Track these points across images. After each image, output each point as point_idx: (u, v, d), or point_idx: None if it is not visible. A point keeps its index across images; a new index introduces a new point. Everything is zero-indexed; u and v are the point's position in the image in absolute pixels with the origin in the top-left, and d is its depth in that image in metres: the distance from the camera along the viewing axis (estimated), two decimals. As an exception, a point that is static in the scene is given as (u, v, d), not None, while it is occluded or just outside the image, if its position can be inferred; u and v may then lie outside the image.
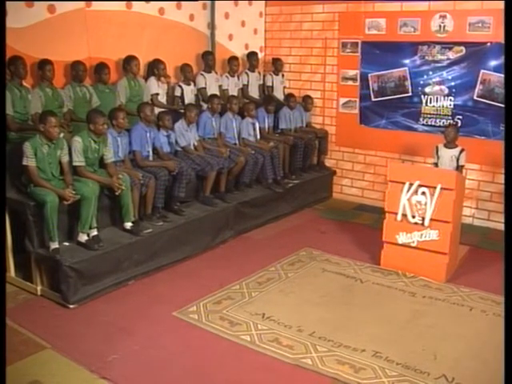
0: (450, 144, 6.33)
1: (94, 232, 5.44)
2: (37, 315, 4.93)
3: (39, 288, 5.29)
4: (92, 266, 5.19)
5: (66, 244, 5.36)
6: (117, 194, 5.52)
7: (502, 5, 6.66)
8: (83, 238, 5.34)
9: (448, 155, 6.31)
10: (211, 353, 4.38)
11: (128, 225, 5.72)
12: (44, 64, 5.91)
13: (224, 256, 6.39)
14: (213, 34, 8.24)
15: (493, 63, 7.10)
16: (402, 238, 5.80)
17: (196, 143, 6.96)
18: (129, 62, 6.75)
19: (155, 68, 7.07)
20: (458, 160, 6.28)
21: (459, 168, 6.26)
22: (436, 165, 6.40)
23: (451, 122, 7.34)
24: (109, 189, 5.58)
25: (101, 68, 6.54)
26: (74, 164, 5.42)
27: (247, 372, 4.14)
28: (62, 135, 5.42)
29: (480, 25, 7.11)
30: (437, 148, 6.41)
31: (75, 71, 6.27)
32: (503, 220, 3.30)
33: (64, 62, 6.31)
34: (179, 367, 4.18)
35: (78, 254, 5.18)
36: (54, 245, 5.12)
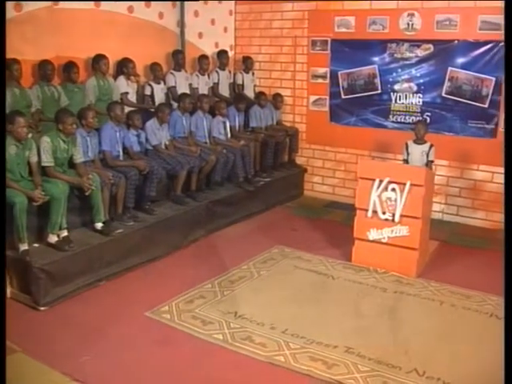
0: (419, 140, 6.39)
1: (64, 233, 5.38)
2: (7, 318, 4.85)
3: (9, 290, 5.21)
4: (62, 267, 5.13)
5: (36, 245, 5.30)
6: (87, 194, 5.48)
7: (468, 4, 6.85)
8: (53, 239, 5.28)
9: (418, 151, 6.37)
10: (184, 352, 4.37)
11: (98, 225, 5.68)
12: (11, 63, 5.80)
13: (196, 255, 6.37)
14: (182, 33, 8.19)
15: (460, 61, 7.21)
16: (373, 234, 5.85)
17: (167, 142, 6.94)
18: (98, 60, 6.69)
19: (124, 67, 7.02)
20: (427, 155, 6.36)
21: (429, 163, 6.33)
22: (406, 161, 6.46)
23: (420, 118, 7.45)
24: (79, 189, 5.53)
25: (69, 67, 6.46)
26: (43, 164, 5.36)
27: (220, 371, 4.14)
28: (30, 135, 5.35)
29: (447, 23, 7.20)
30: (406, 145, 6.47)
31: (43, 70, 6.19)
32: (503, 220, 3.29)
33: (31, 61, 6.21)
34: (152, 367, 4.16)
35: (48, 256, 5.13)
36: (24, 246, 5.05)
